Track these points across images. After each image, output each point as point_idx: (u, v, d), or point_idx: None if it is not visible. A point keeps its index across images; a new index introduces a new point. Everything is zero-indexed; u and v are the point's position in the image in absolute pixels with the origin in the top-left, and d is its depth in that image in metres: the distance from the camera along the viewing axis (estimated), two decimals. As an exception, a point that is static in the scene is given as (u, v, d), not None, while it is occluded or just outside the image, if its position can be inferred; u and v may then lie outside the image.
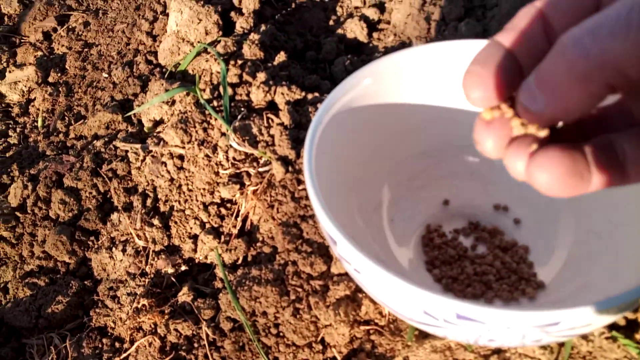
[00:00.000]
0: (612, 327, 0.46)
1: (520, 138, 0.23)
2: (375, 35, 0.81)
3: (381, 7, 0.85)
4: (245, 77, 0.66)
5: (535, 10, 0.23)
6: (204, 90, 0.66)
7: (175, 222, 0.57)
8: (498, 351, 0.46)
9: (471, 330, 0.32)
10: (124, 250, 0.56)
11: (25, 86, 0.78)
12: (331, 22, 0.85)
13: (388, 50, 0.78)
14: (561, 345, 0.45)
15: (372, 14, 0.83)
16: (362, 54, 0.80)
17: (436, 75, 0.49)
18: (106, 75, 0.77)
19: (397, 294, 0.32)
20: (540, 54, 0.23)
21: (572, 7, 0.22)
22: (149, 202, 0.59)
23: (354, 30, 0.80)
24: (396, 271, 0.45)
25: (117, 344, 0.50)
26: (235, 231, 0.55)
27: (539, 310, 0.29)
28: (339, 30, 0.81)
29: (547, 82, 0.20)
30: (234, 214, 0.56)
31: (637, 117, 0.24)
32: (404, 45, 0.79)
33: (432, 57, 0.48)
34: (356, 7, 0.87)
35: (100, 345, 0.51)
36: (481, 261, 0.48)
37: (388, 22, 0.83)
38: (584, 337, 0.44)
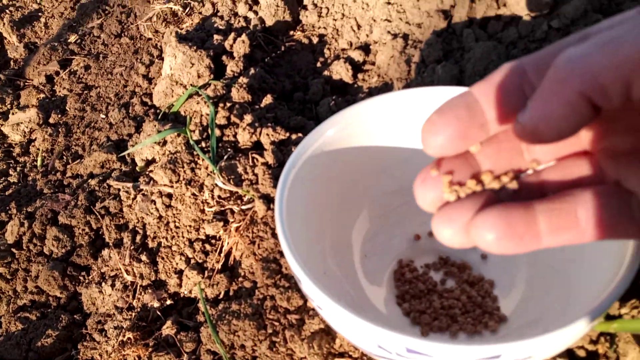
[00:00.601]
0: (572, 358, 0.48)
1: (449, 205, 0.24)
2: (360, 76, 0.85)
3: (366, 49, 0.89)
4: (233, 119, 0.70)
5: (517, 65, 0.24)
6: (194, 131, 0.70)
7: (162, 258, 0.60)
8: (465, 383, 0.48)
9: (422, 363, 0.34)
10: (112, 285, 0.59)
11: (27, 127, 0.82)
12: (319, 64, 0.89)
13: (372, 91, 0.82)
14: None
15: (357, 56, 0.87)
16: (347, 94, 0.83)
17: (404, 118, 0.52)
18: (103, 116, 0.81)
19: (354, 328, 0.35)
20: (512, 108, 0.23)
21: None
22: (138, 238, 0.62)
23: (340, 72, 0.84)
24: (363, 306, 0.48)
25: (102, 376, 0.53)
26: (218, 266, 0.58)
27: (479, 344, 0.32)
28: (326, 72, 0.85)
29: (536, 94, 0.21)
30: (218, 250, 0.59)
31: (607, 176, 0.24)
32: (386, 85, 0.82)
33: (401, 103, 0.52)
34: (343, 49, 0.91)
35: (86, 378, 0.53)
36: (449, 295, 0.50)
37: (373, 63, 0.87)
38: (545, 369, 0.46)
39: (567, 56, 0.20)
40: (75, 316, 0.58)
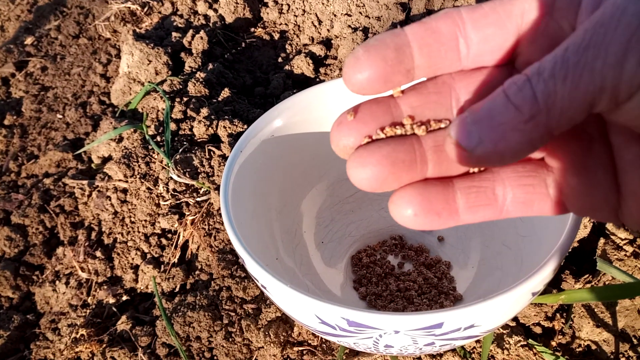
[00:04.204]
0: (528, 334, 0.48)
1: (362, 147, 0.23)
2: (322, 70, 0.85)
3: (328, 44, 0.89)
4: (190, 112, 0.69)
5: (456, 13, 0.23)
6: (150, 126, 0.69)
7: (118, 254, 0.59)
8: (422, 364, 0.47)
9: (367, 337, 0.34)
10: (67, 283, 0.58)
11: (-19, 129, 0.80)
12: (280, 60, 0.88)
13: (333, 84, 0.82)
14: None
15: (319, 50, 0.87)
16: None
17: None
18: (60, 117, 0.79)
19: (294, 304, 0.34)
20: (442, 57, 0.22)
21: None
22: (93, 235, 0.61)
23: (301, 66, 0.84)
24: (318, 291, 0.47)
25: (54, 375, 0.51)
26: (174, 260, 0.57)
27: (421, 314, 0.31)
28: (287, 67, 0.85)
29: (487, 121, 0.20)
30: (174, 244, 0.58)
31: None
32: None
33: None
34: (305, 45, 0.91)
35: (38, 378, 0.51)
36: (405, 278, 0.50)
37: (335, 58, 0.87)
38: (500, 345, 0.46)
39: (526, 87, 0.19)
40: (28, 316, 0.57)
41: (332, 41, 0.89)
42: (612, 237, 0.51)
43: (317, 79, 0.84)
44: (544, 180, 0.23)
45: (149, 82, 0.77)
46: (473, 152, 0.20)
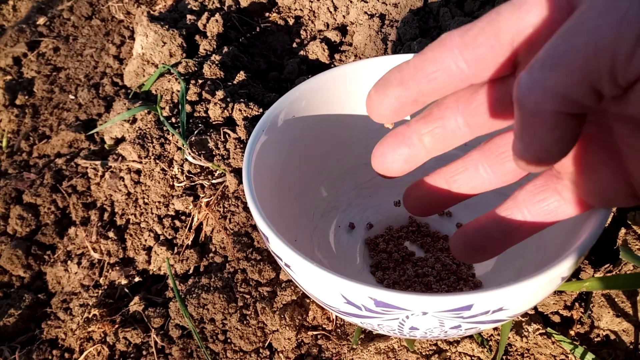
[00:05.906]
0: (547, 323, 0.47)
1: None
2: (337, 56, 0.84)
3: (343, 30, 0.88)
4: (205, 95, 0.68)
5: (448, 37, 0.25)
6: (164, 108, 0.68)
7: (131, 235, 0.58)
8: (439, 351, 0.47)
9: (392, 318, 0.33)
10: (79, 263, 0.57)
11: (-8, 109, 0.79)
12: (295, 45, 0.88)
13: (348, 71, 0.81)
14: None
15: (334, 36, 0.86)
16: (324, 74, 0.82)
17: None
18: (72, 97, 0.79)
19: (320, 283, 0.33)
20: (439, 83, 0.25)
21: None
22: (106, 216, 0.60)
23: (316, 52, 0.83)
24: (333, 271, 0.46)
25: (66, 355, 0.51)
26: (188, 242, 0.56)
27: (452, 295, 0.31)
28: (302, 52, 0.84)
29: (515, 129, 0.22)
30: (188, 226, 0.57)
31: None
32: (363, 65, 0.81)
33: (374, 71, 0.50)
34: (320, 31, 0.90)
35: (50, 357, 0.51)
36: (423, 264, 0.49)
37: (350, 44, 0.86)
38: (519, 333, 0.45)
39: (525, 86, 0.20)
40: (39, 295, 0.56)
41: (348, 27, 0.88)
42: (633, 227, 0.50)
43: (332, 65, 0.83)
44: (555, 189, 0.26)
45: (163, 64, 0.76)
46: (527, 160, 0.22)
